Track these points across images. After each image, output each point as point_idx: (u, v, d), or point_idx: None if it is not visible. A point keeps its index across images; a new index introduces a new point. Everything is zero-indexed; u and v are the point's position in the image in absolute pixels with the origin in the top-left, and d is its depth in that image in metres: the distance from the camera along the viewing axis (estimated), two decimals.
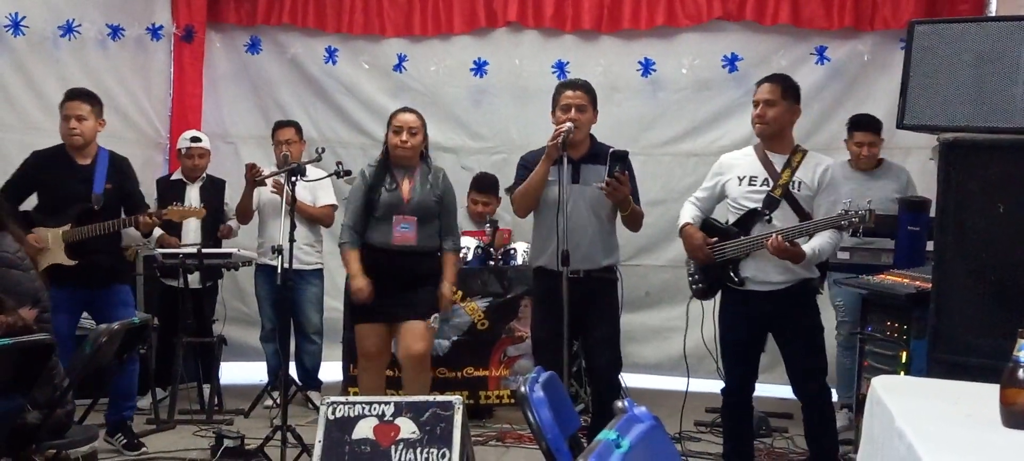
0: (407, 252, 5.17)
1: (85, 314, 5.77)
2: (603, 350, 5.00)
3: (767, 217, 4.61)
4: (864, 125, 6.30)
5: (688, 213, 4.91)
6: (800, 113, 4.84)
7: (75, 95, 5.61)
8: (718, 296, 4.94)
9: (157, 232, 6.57)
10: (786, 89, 4.69)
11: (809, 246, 4.51)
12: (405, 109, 5.38)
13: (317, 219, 6.86)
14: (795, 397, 4.84)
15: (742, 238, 4.66)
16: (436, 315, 5.27)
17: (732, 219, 4.77)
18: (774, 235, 4.45)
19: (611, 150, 4.77)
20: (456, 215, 5.53)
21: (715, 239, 4.77)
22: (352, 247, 5.30)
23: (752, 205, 4.66)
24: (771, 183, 4.64)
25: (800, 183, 4.61)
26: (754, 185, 4.69)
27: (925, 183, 6.15)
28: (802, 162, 4.65)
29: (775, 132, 4.70)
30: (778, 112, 4.66)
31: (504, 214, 7.19)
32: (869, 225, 4.51)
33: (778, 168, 4.66)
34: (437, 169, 5.41)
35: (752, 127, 4.81)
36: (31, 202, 5.71)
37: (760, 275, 4.65)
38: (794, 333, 4.70)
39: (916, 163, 6.77)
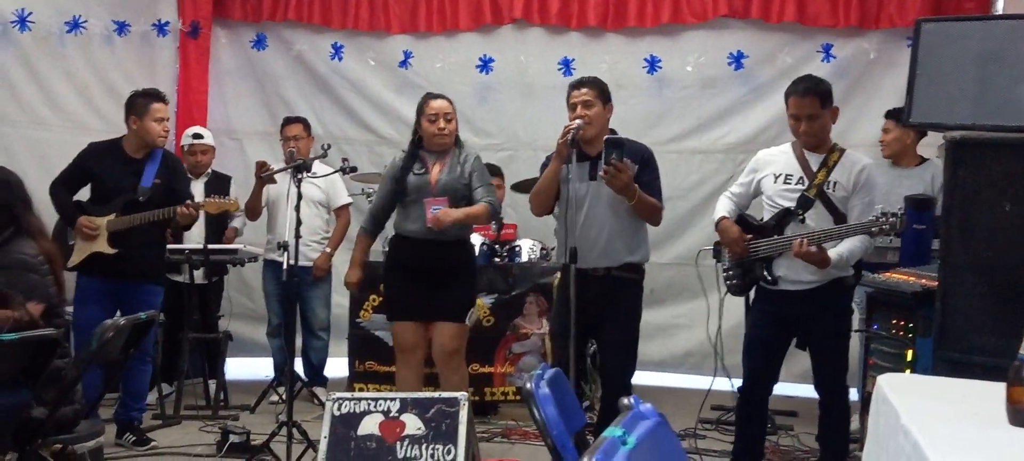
0: (440, 242, 5.09)
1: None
2: (617, 352, 4.94)
3: (800, 217, 4.58)
4: (888, 114, 6.29)
5: (724, 207, 4.88)
6: (838, 112, 4.80)
7: (162, 97, 5.76)
8: (725, 294, 4.94)
9: None
10: (824, 98, 4.62)
11: (836, 251, 4.48)
12: (436, 95, 5.30)
13: (344, 229, 6.92)
14: (808, 394, 4.83)
15: (775, 237, 4.64)
16: (471, 311, 5.23)
17: (767, 216, 4.75)
18: (799, 239, 4.43)
19: (606, 138, 4.72)
20: (492, 185, 5.38)
21: (750, 235, 4.76)
22: (365, 234, 5.34)
23: (786, 204, 4.64)
24: (806, 182, 4.62)
25: (835, 183, 4.58)
26: (789, 183, 4.66)
27: None
28: (839, 162, 4.61)
29: (821, 141, 4.68)
30: (822, 123, 4.63)
31: (509, 210, 7.19)
32: (900, 230, 4.49)
33: (814, 167, 4.62)
34: (469, 150, 5.35)
35: (797, 138, 4.71)
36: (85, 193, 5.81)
37: (792, 274, 4.62)
38: (822, 333, 4.67)
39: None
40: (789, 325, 4.74)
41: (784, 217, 4.65)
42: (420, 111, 5.26)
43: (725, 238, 4.83)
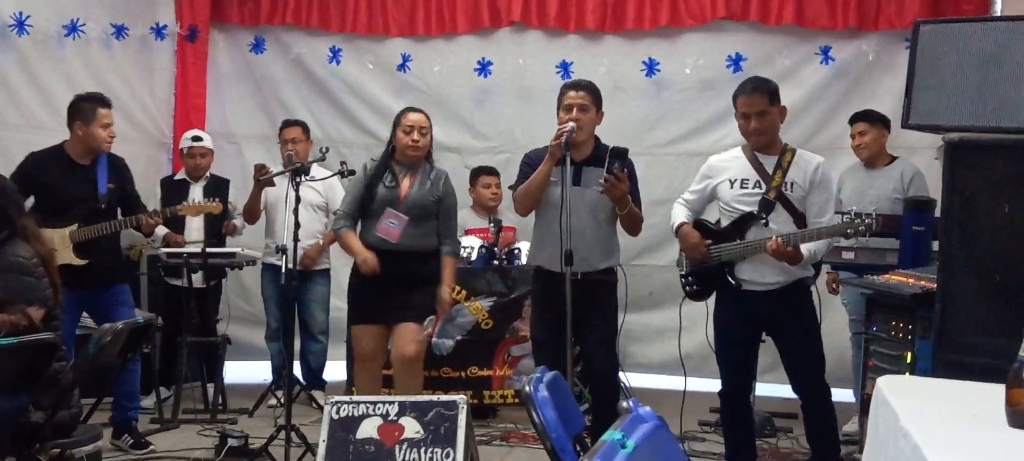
0: (403, 252, 5.13)
1: (85, 314, 5.77)
2: (601, 352, 4.98)
3: (763, 221, 4.61)
4: (858, 117, 6.34)
5: (681, 213, 4.91)
6: (786, 111, 4.83)
7: (107, 102, 5.69)
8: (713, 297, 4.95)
9: (161, 231, 6.60)
10: (772, 94, 4.67)
11: (805, 247, 4.51)
12: (413, 109, 5.36)
13: None
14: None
15: (738, 242, 4.66)
16: (430, 319, 5.24)
17: (725, 222, 4.78)
18: (774, 238, 4.45)
19: (612, 147, 4.74)
20: (456, 219, 5.51)
21: (709, 241, 4.77)
22: (348, 229, 5.31)
23: (747, 208, 4.66)
24: (763, 186, 4.64)
25: (793, 184, 4.62)
26: (746, 188, 4.69)
27: (931, 183, 6.14)
28: (793, 161, 4.65)
29: (771, 140, 4.71)
30: (771, 120, 4.66)
31: (508, 213, 7.19)
32: (876, 231, 4.50)
33: (769, 169, 4.65)
34: (440, 171, 5.39)
35: (746, 139, 4.76)
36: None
37: (757, 276, 4.65)
38: (791, 332, 4.70)
39: (921, 162, 6.76)
40: (758, 324, 4.79)
41: (745, 221, 4.68)
42: (396, 122, 5.31)
43: (685, 243, 4.86)
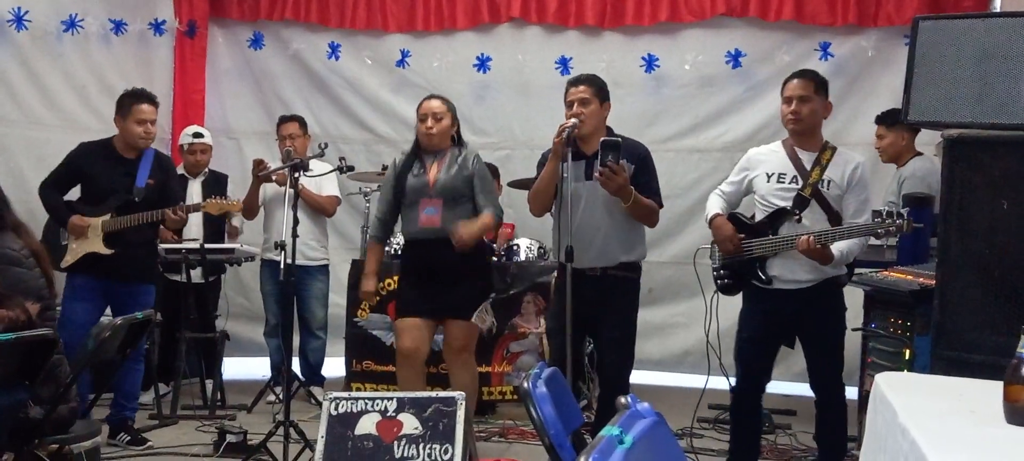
0: (443, 242, 5.01)
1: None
2: (613, 350, 4.94)
3: (797, 217, 4.57)
4: (876, 120, 6.32)
5: (716, 204, 4.86)
6: (831, 108, 4.79)
7: (149, 98, 5.72)
8: (719, 295, 4.93)
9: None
10: (819, 84, 4.63)
11: (837, 247, 4.46)
12: (431, 96, 5.31)
13: (320, 207, 6.85)
14: (806, 393, 4.82)
15: (771, 237, 4.62)
16: (481, 308, 5.18)
17: (760, 216, 4.72)
18: (805, 236, 4.41)
19: (602, 139, 4.69)
20: (494, 191, 5.37)
21: (742, 235, 4.74)
22: (376, 241, 5.33)
23: (781, 203, 4.62)
24: (800, 181, 4.59)
25: (830, 181, 4.57)
26: (783, 182, 4.64)
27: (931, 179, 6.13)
28: (832, 160, 4.60)
29: (808, 128, 4.65)
30: (812, 107, 4.61)
31: (508, 209, 7.17)
32: (907, 231, 4.48)
33: (807, 165, 4.61)
34: (469, 151, 5.27)
35: (784, 125, 4.71)
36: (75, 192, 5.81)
37: (788, 274, 4.61)
38: (817, 332, 4.66)
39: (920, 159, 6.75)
40: (782, 324, 4.73)
41: (778, 216, 4.63)
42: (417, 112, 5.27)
43: (719, 235, 4.80)
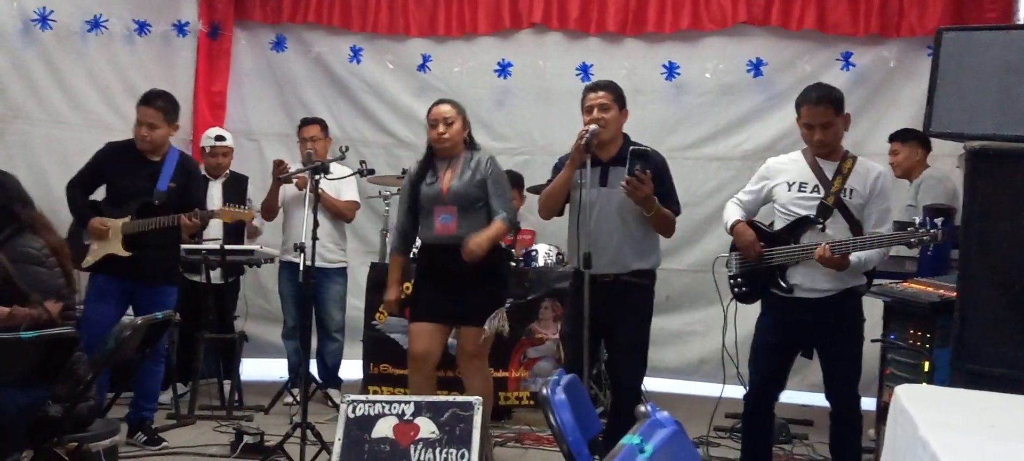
0: (459, 248, 4.96)
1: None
2: (625, 356, 4.92)
3: (820, 226, 4.55)
4: (890, 138, 6.37)
5: (735, 212, 4.84)
6: (850, 119, 4.77)
7: (148, 100, 5.69)
8: (737, 304, 4.92)
9: None
10: (838, 103, 4.60)
11: (855, 255, 4.45)
12: (440, 101, 5.27)
13: (339, 212, 6.86)
14: (823, 403, 4.80)
15: (792, 245, 4.61)
16: (494, 316, 5.07)
17: (780, 225, 4.71)
18: (823, 245, 4.40)
19: (631, 148, 4.71)
20: (509, 194, 5.28)
21: (762, 243, 4.72)
22: (396, 252, 5.34)
23: (803, 212, 4.60)
24: (822, 190, 4.58)
25: (852, 191, 4.55)
26: (804, 192, 4.62)
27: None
28: (853, 169, 4.59)
29: (835, 149, 4.65)
30: (835, 131, 4.60)
31: (528, 215, 7.19)
32: (941, 241, 4.44)
33: (829, 175, 4.59)
34: (482, 154, 5.22)
35: (811, 147, 4.67)
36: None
37: (808, 283, 4.58)
38: (835, 342, 4.63)
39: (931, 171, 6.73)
40: (800, 333, 4.70)
41: (799, 225, 4.62)
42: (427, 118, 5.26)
43: (741, 242, 4.77)
